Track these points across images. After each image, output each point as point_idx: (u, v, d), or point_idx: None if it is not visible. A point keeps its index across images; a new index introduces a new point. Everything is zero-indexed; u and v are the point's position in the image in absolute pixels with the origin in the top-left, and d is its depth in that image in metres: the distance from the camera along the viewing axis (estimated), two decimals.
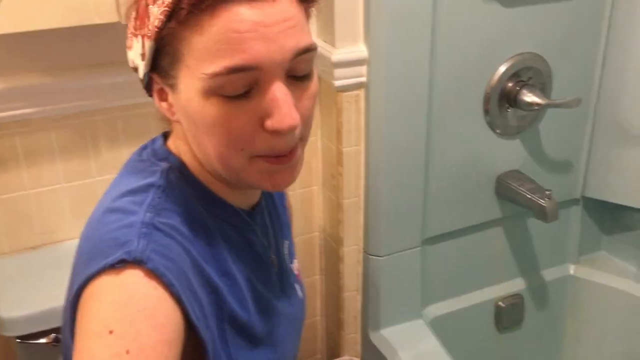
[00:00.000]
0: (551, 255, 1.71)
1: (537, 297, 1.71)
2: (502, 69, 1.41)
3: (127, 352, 0.54)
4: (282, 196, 0.91)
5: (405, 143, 1.37)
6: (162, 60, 0.64)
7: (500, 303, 1.65)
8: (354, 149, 1.38)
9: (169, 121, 0.73)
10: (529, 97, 1.42)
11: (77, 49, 1.21)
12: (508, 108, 1.45)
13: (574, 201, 1.67)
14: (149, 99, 1.22)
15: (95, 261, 0.59)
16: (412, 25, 1.27)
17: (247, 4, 0.59)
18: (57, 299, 1.11)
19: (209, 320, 0.66)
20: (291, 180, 0.69)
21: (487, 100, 1.43)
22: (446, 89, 1.37)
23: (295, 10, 0.62)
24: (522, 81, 1.43)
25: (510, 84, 1.43)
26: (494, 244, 1.62)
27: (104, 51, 1.23)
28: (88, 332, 0.56)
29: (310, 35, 0.65)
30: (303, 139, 0.68)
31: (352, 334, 1.58)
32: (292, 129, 0.62)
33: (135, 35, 0.65)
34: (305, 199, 1.52)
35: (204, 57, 0.60)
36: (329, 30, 1.29)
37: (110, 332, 0.54)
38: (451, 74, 1.36)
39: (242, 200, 0.76)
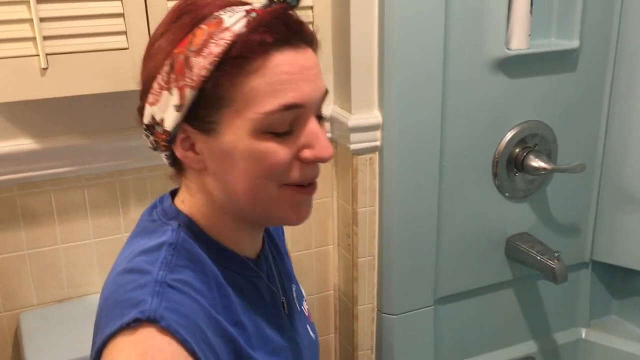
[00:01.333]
0: (562, 318, 1.73)
1: None
2: (509, 135, 1.49)
3: None
4: (283, 242, 0.95)
5: (417, 204, 1.43)
6: (202, 108, 0.68)
7: None
8: (369, 210, 1.44)
9: (178, 178, 0.78)
10: (535, 162, 1.49)
11: (111, 112, 1.30)
12: (516, 173, 1.52)
13: (584, 265, 1.71)
14: None
15: (113, 322, 0.62)
16: (423, 93, 1.35)
17: (294, 50, 0.68)
18: (83, 349, 1.17)
19: None
20: (310, 212, 0.76)
21: (495, 165, 1.50)
22: (456, 153, 1.44)
23: (317, 59, 0.72)
24: (529, 147, 1.51)
25: (517, 150, 1.50)
26: (505, 306, 1.65)
27: (135, 115, 1.32)
28: None
29: None
30: (318, 174, 0.77)
31: None
32: (330, 158, 0.71)
33: (168, 89, 0.68)
34: (321, 258, 1.57)
35: (256, 98, 0.66)
36: (345, 97, 1.38)
37: None
38: (461, 139, 1.44)
39: (250, 247, 0.80)
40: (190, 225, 0.74)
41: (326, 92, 0.73)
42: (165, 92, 0.69)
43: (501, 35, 1.39)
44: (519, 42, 1.42)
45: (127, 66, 1.12)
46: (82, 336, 1.22)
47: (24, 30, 1.08)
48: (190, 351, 0.62)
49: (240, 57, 0.66)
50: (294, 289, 0.91)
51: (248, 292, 0.78)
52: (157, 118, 0.70)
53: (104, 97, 1.24)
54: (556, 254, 1.48)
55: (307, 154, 0.70)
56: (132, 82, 1.14)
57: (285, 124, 0.68)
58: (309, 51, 0.70)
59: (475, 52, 1.39)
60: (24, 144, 1.24)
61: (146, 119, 0.72)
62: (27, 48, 1.08)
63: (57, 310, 1.32)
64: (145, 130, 0.74)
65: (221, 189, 0.72)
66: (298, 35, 0.69)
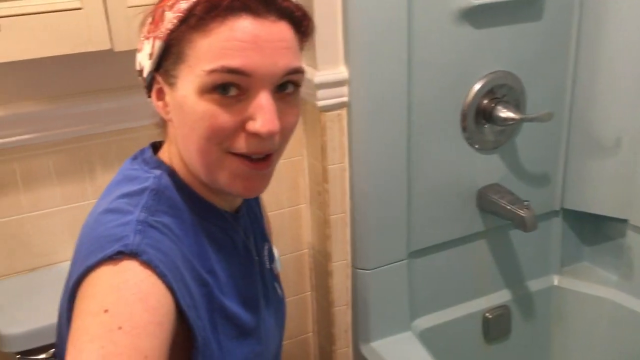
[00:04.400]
0: (535, 266, 1.76)
1: (523, 308, 1.76)
2: (477, 87, 1.48)
3: (120, 328, 0.58)
4: (259, 203, 0.97)
5: (387, 160, 1.43)
6: (167, 60, 0.72)
7: (488, 314, 1.70)
8: (339, 166, 1.44)
9: (164, 128, 0.81)
10: (503, 112, 1.49)
11: (72, 76, 1.28)
12: (485, 124, 1.52)
13: (554, 213, 1.73)
14: (141, 123, 1.30)
15: (94, 254, 0.64)
16: (388, 47, 1.34)
17: (252, 18, 0.68)
18: (55, 316, 1.17)
19: (200, 311, 0.71)
20: (262, 188, 0.77)
21: (464, 117, 1.50)
22: (424, 107, 1.44)
23: (291, 35, 0.72)
24: (497, 98, 1.51)
25: (485, 101, 1.50)
26: (478, 257, 1.67)
27: (97, 78, 1.30)
28: (85, 312, 0.61)
29: (301, 61, 0.74)
30: (279, 151, 0.77)
31: (343, 349, 1.62)
32: (270, 134, 0.70)
33: (147, 38, 0.73)
34: (294, 217, 1.57)
35: (205, 56, 0.68)
36: (311, 54, 1.37)
37: (106, 311, 0.59)
38: (428, 93, 1.44)
39: (227, 204, 0.82)
40: (171, 175, 0.77)
41: (295, 70, 0.72)
42: (145, 41, 0.74)
43: None
44: None
45: (82, 27, 1.10)
46: (54, 304, 1.21)
47: None
48: (168, 285, 0.65)
49: (199, 16, 0.68)
50: (266, 248, 0.94)
51: (223, 244, 0.80)
52: (141, 65, 0.76)
53: (63, 60, 1.21)
54: (525, 203, 1.50)
55: (249, 125, 0.70)
56: (88, 44, 1.11)
57: (231, 88, 0.69)
58: (280, 24, 0.71)
59: (440, 2, 1.37)
60: None
61: (137, 65, 0.77)
62: None
63: (28, 279, 1.32)
64: (138, 76, 0.79)
65: (181, 143, 0.75)
66: (268, 5, 0.69)
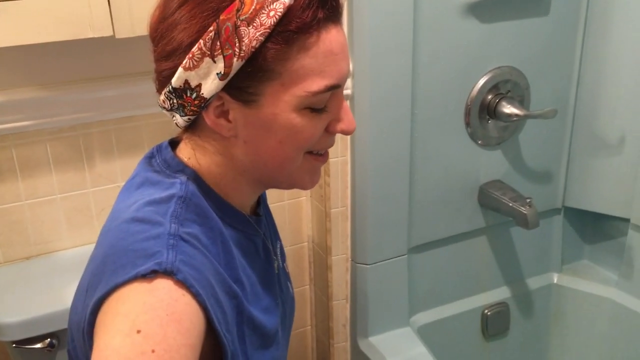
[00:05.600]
0: (535, 264, 1.75)
1: (522, 305, 1.75)
2: (482, 82, 1.47)
3: (153, 351, 0.56)
4: (265, 198, 0.96)
5: (389, 153, 1.41)
6: (244, 78, 0.68)
7: (486, 311, 1.69)
8: (341, 160, 1.42)
9: (186, 134, 0.78)
10: (507, 108, 1.48)
11: (72, 63, 1.26)
12: (488, 120, 1.51)
13: (556, 211, 1.72)
14: (142, 111, 1.28)
15: (124, 270, 0.62)
16: (393, 40, 1.32)
17: (335, 28, 0.69)
18: (52, 305, 1.16)
19: (230, 324, 0.69)
20: (320, 177, 0.83)
21: (468, 112, 1.48)
22: (428, 101, 1.42)
23: None
24: (501, 94, 1.49)
25: (489, 97, 1.49)
26: (478, 253, 1.66)
27: (98, 65, 1.28)
28: (114, 330, 0.58)
29: None
30: None
31: (341, 343, 1.61)
32: (353, 131, 0.76)
33: (212, 56, 0.66)
34: (294, 209, 1.56)
35: (307, 75, 0.68)
36: None
37: (138, 331, 0.57)
38: (433, 87, 1.42)
39: (247, 207, 0.82)
40: (197, 180, 0.75)
41: None
42: (207, 59, 0.67)
43: None
44: None
45: (84, 13, 1.07)
46: (51, 292, 1.22)
47: None
48: (203, 305, 0.63)
49: (292, 32, 0.65)
50: (278, 247, 0.93)
51: (247, 250, 0.79)
52: (192, 83, 0.69)
53: (63, 46, 1.20)
54: (528, 200, 1.48)
55: (336, 126, 0.74)
56: (89, 30, 1.09)
57: (325, 101, 0.71)
58: (341, 27, 0.71)
59: None
60: None
61: (177, 82, 0.69)
62: None
63: (25, 267, 1.30)
64: (170, 92, 0.71)
65: (249, 155, 0.74)
66: (339, 11, 0.70)
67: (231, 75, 0.67)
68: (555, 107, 1.48)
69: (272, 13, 0.64)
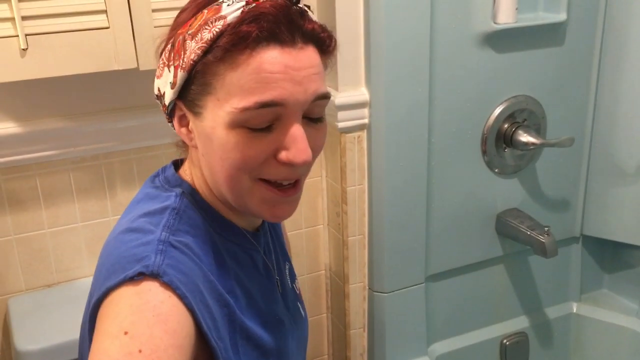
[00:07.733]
0: (553, 293, 1.73)
1: (541, 335, 1.73)
2: (498, 111, 1.48)
3: (140, 351, 0.57)
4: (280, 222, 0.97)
5: (406, 182, 1.42)
6: (191, 90, 0.70)
7: (505, 341, 1.67)
8: (358, 188, 1.43)
9: (184, 148, 0.80)
10: (524, 137, 1.48)
11: (94, 94, 1.29)
12: (505, 148, 1.51)
13: (574, 239, 1.71)
14: (162, 141, 1.31)
15: (115, 275, 0.64)
16: (410, 70, 1.34)
17: (280, 48, 0.67)
18: (72, 333, 1.16)
19: (222, 332, 0.70)
20: (290, 213, 0.76)
21: (484, 141, 1.49)
22: (445, 130, 1.44)
23: (318, 60, 0.71)
24: (518, 122, 1.50)
25: (506, 125, 1.50)
26: (496, 282, 1.65)
27: (120, 96, 1.31)
28: (104, 333, 0.60)
29: (325, 84, 0.73)
30: (306, 174, 0.76)
31: None
32: (305, 164, 0.70)
33: (168, 66, 0.71)
34: (311, 237, 1.57)
35: (236, 92, 0.67)
36: (332, 75, 1.37)
37: (126, 333, 0.58)
38: (449, 116, 1.43)
39: (248, 223, 0.82)
40: (192, 194, 0.77)
41: (323, 96, 0.71)
42: (165, 68, 0.72)
43: (488, 9, 1.38)
44: (506, 16, 1.40)
45: (109, 46, 1.11)
46: (71, 320, 1.22)
47: (2, 10, 1.05)
48: (189, 307, 0.64)
49: (224, 48, 0.66)
50: (287, 267, 0.93)
51: (244, 263, 0.80)
52: (161, 91, 0.74)
53: (88, 78, 1.23)
54: (546, 229, 1.48)
55: (282, 155, 0.69)
56: (114, 62, 1.12)
57: (263, 120, 0.68)
58: (307, 50, 0.69)
59: (462, 26, 1.37)
60: (7, 127, 1.23)
61: (155, 90, 0.75)
62: (5, 29, 1.06)
63: (46, 295, 1.32)
64: (156, 99, 0.77)
65: (207, 169, 0.74)
66: (293, 31, 0.68)
67: (178, 85, 0.70)
68: (572, 135, 1.49)
69: (212, 29, 0.67)
